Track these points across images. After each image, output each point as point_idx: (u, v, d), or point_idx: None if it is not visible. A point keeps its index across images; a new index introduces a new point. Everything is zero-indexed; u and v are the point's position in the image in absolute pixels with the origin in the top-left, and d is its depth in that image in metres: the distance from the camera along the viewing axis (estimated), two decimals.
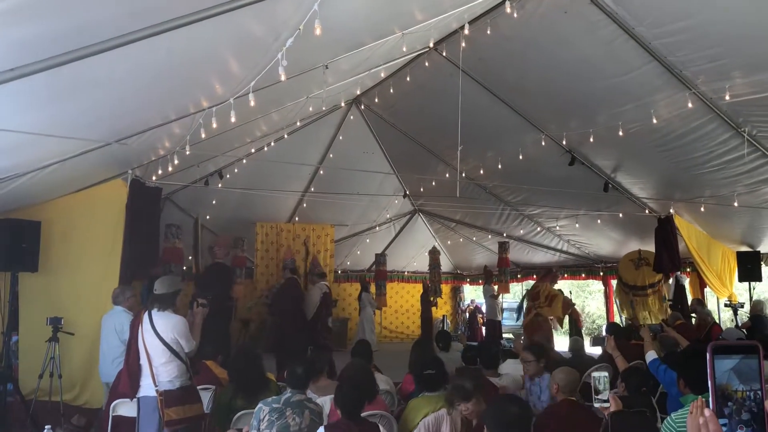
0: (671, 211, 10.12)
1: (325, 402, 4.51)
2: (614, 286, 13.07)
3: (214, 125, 5.38)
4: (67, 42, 3.08)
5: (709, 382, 1.02)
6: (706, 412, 1.01)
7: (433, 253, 15.50)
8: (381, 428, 3.73)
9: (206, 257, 11.52)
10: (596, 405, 2.74)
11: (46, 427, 3.31)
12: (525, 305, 12.04)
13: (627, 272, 11.91)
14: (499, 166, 9.87)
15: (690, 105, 6.74)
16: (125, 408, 5.07)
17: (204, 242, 11.81)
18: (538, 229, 13.27)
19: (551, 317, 11.72)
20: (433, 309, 15.73)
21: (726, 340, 1.33)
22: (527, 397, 5.15)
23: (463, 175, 10.73)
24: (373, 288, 15.00)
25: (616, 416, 2.34)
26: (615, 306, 13.09)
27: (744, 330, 9.87)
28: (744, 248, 10.88)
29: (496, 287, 14.54)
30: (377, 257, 15.51)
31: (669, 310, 11.21)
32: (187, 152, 6.47)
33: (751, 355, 1.02)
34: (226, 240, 11.58)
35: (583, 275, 14.76)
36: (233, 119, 5.09)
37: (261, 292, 12.44)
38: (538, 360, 5.14)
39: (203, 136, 5.84)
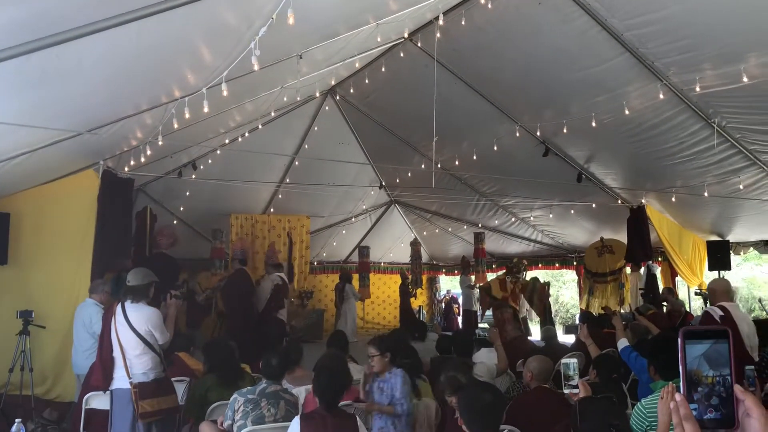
0: (643, 201, 10.27)
1: (301, 392, 4.52)
2: None
3: (187, 115, 5.33)
4: (35, 30, 3.02)
5: (681, 367, 1.03)
6: (677, 396, 1.02)
7: (415, 245, 15.52)
8: (359, 420, 3.74)
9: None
10: (566, 391, 2.78)
11: (16, 420, 3.26)
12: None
13: (590, 260, 12.18)
14: (474, 157, 9.91)
15: (661, 96, 6.83)
16: (98, 401, 5.03)
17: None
18: (513, 219, 13.36)
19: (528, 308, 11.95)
20: (412, 300, 15.81)
21: (697, 326, 1.36)
22: (370, 398, 4.46)
23: (439, 165, 10.76)
24: (355, 279, 14.95)
25: (584, 401, 2.37)
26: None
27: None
28: (714, 237, 11.07)
29: (473, 277, 14.62)
30: (360, 249, 15.49)
31: (628, 298, 11.36)
32: (160, 143, 6.40)
33: (721, 340, 1.04)
34: (170, 230, 11.43)
35: (557, 265, 14.92)
36: (206, 109, 5.05)
37: (219, 280, 12.30)
38: (382, 354, 4.47)
39: (176, 126, 5.78)
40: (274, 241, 12.92)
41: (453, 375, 3.94)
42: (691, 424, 0.99)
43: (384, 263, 17.09)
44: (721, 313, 5.33)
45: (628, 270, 11.89)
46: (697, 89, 6.57)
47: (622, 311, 11.06)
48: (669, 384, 1.03)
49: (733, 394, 1.01)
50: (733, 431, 1.01)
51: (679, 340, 1.04)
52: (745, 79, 6.02)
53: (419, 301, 17.71)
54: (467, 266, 14.89)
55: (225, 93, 4.77)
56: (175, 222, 12.39)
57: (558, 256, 14.58)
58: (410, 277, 15.45)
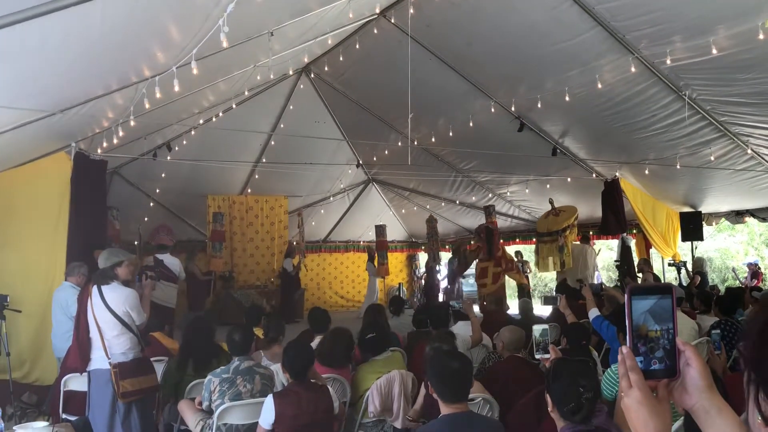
0: (617, 174, 10.39)
1: (278, 369, 4.55)
2: None
3: (158, 95, 5.28)
4: None
5: (627, 322, 1.08)
6: (623, 349, 1.07)
7: (430, 222, 15.12)
8: (331, 390, 3.80)
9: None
10: (537, 356, 2.83)
11: None
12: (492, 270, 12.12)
13: (539, 221, 12.21)
14: (450, 134, 9.94)
15: (633, 69, 6.89)
16: (76, 382, 5.02)
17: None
18: (490, 195, 13.43)
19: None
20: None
21: (643, 283, 1.41)
22: None
23: (415, 143, 10.78)
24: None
25: (560, 362, 2.44)
26: None
27: (685, 287, 10.28)
28: (686, 209, 11.25)
29: None
30: (377, 228, 15.46)
31: (569, 262, 11.38)
32: (132, 123, 6.34)
33: (665, 296, 1.08)
34: (167, 227, 11.64)
35: (535, 240, 15.00)
36: (177, 88, 5.02)
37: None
38: None
39: (147, 106, 5.74)
40: (162, 223, 12.63)
41: (438, 346, 4.01)
42: (636, 373, 1.05)
43: (363, 242, 17.13)
44: None
45: (576, 241, 11.91)
46: (668, 62, 6.64)
47: (590, 282, 11.22)
48: (623, 346, 1.08)
49: (675, 346, 1.07)
50: (674, 380, 1.06)
51: (626, 296, 1.09)
52: (714, 51, 6.09)
53: (399, 278, 17.83)
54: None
55: (195, 71, 4.73)
56: (151, 204, 12.34)
57: (535, 231, 14.62)
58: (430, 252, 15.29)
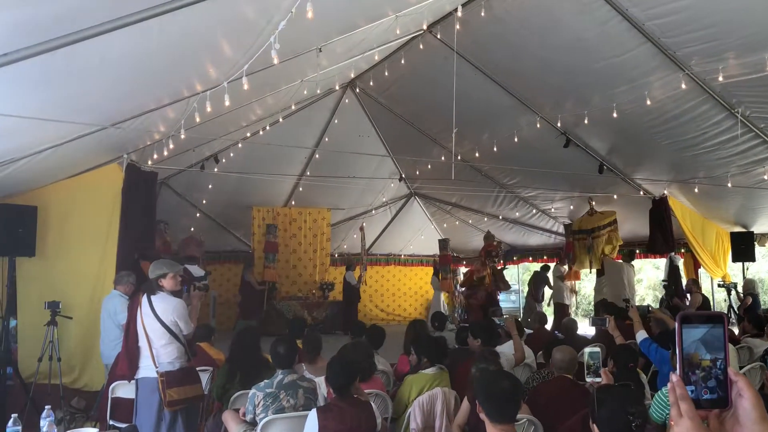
0: (665, 192, 10.18)
1: (321, 382, 4.57)
2: None
3: (209, 109, 5.39)
4: (60, 26, 3.09)
5: (678, 350, 1.07)
6: (674, 377, 1.06)
7: (488, 238, 14.17)
8: (374, 406, 3.79)
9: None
10: (588, 380, 2.79)
11: (45, 407, 3.35)
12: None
13: (580, 223, 11.91)
14: (495, 149, 9.89)
15: (683, 86, 6.76)
16: (124, 390, 5.14)
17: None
18: (534, 211, 13.30)
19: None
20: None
21: (694, 311, 1.39)
22: None
23: (459, 157, 10.76)
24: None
25: (602, 389, 2.39)
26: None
27: (735, 307, 10.00)
28: (738, 229, 10.94)
29: (565, 267, 13.79)
30: (441, 243, 15.49)
31: (597, 263, 11.14)
32: (182, 136, 6.48)
33: (717, 325, 1.07)
34: (196, 239, 11.84)
35: (570, 239, 14.67)
36: (227, 103, 5.11)
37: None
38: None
39: (197, 120, 5.86)
40: (191, 234, 12.66)
41: (485, 366, 3.98)
42: (687, 403, 1.03)
43: (405, 255, 17.11)
44: None
45: (617, 258, 11.69)
46: (720, 79, 6.50)
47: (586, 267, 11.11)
48: (673, 374, 1.07)
49: (727, 376, 1.05)
50: (726, 410, 1.04)
51: (677, 324, 1.08)
52: None
53: None
54: (562, 257, 14.08)
55: (246, 86, 4.82)
56: (198, 215, 12.59)
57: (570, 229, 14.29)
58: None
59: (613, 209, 11.35)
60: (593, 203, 11.44)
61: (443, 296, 15.70)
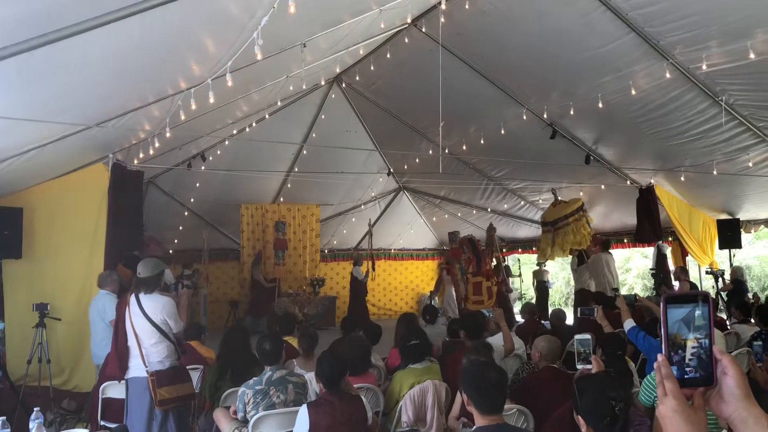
0: (652, 181, 10.24)
1: (312, 378, 4.57)
2: None
3: (193, 107, 5.37)
4: (38, 25, 3.06)
5: (662, 330, 1.08)
6: (659, 357, 1.07)
7: (490, 231, 14.64)
8: (365, 400, 3.80)
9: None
10: (579, 367, 2.80)
11: (34, 409, 3.34)
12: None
13: (545, 214, 11.64)
14: (482, 141, 9.90)
15: (668, 75, 6.79)
16: (114, 390, 5.11)
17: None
18: (522, 203, 13.34)
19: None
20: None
21: (678, 291, 1.40)
22: None
23: (446, 151, 10.76)
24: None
25: (581, 380, 2.40)
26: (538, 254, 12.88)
27: (723, 293, 10.09)
28: (724, 216, 11.02)
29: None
30: (450, 236, 15.36)
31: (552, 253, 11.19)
32: (168, 135, 6.44)
33: (701, 304, 1.08)
34: (156, 240, 11.77)
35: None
36: (212, 100, 5.08)
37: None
38: None
39: (183, 118, 5.82)
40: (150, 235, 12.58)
41: (475, 358, 3.99)
42: (671, 382, 1.04)
43: (394, 250, 17.12)
44: None
45: (594, 249, 11.68)
46: (704, 67, 6.54)
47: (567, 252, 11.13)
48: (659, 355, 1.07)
49: (711, 355, 1.06)
50: (711, 388, 1.05)
51: (661, 304, 1.09)
52: (752, 56, 5.98)
53: (430, 286, 17.77)
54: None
55: (230, 83, 4.79)
56: (186, 213, 12.54)
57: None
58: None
59: (578, 197, 11.20)
60: (557, 194, 11.31)
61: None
